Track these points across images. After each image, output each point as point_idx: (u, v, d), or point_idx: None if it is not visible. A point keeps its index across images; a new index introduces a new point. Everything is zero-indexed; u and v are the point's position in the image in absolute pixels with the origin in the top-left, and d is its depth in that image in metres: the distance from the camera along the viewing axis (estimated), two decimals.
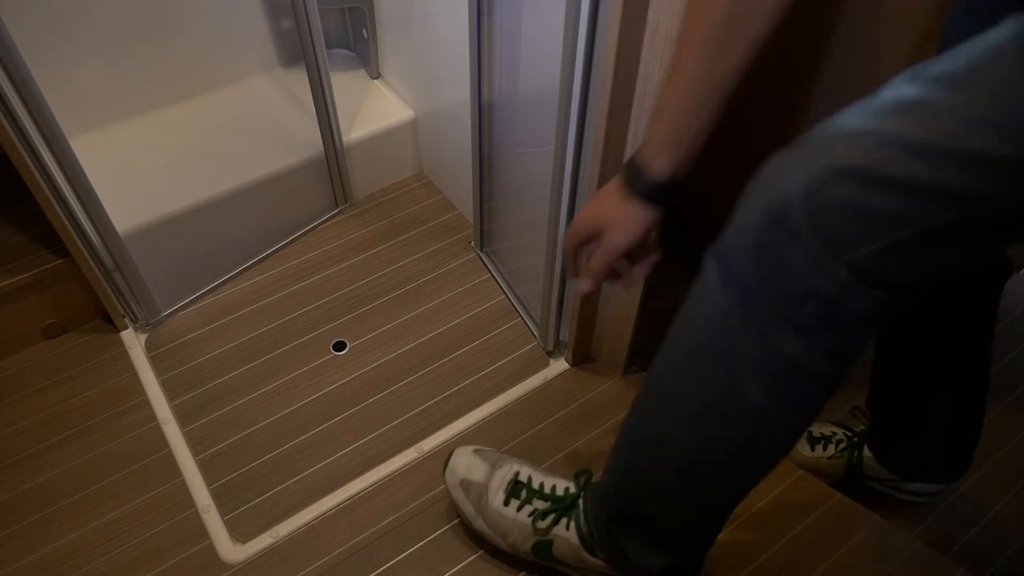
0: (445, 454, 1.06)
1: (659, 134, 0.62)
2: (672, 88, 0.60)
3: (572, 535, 0.86)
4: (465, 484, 0.94)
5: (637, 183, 0.64)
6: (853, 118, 0.50)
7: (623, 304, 1.03)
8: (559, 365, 1.18)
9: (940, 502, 1.05)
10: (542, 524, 0.87)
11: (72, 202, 1.07)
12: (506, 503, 0.90)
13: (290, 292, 1.32)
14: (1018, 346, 1.26)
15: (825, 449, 1.05)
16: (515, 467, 0.93)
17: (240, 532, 0.99)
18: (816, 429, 1.07)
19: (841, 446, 1.04)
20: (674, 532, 0.74)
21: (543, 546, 0.88)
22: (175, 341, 1.25)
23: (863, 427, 1.05)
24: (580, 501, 0.87)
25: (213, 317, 1.28)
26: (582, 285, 0.72)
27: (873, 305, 0.50)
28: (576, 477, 0.90)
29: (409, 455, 1.07)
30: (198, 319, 1.28)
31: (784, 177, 0.50)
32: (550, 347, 1.19)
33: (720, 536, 0.94)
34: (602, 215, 0.68)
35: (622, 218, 0.66)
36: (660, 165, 0.62)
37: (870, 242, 0.47)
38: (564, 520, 0.87)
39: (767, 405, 0.56)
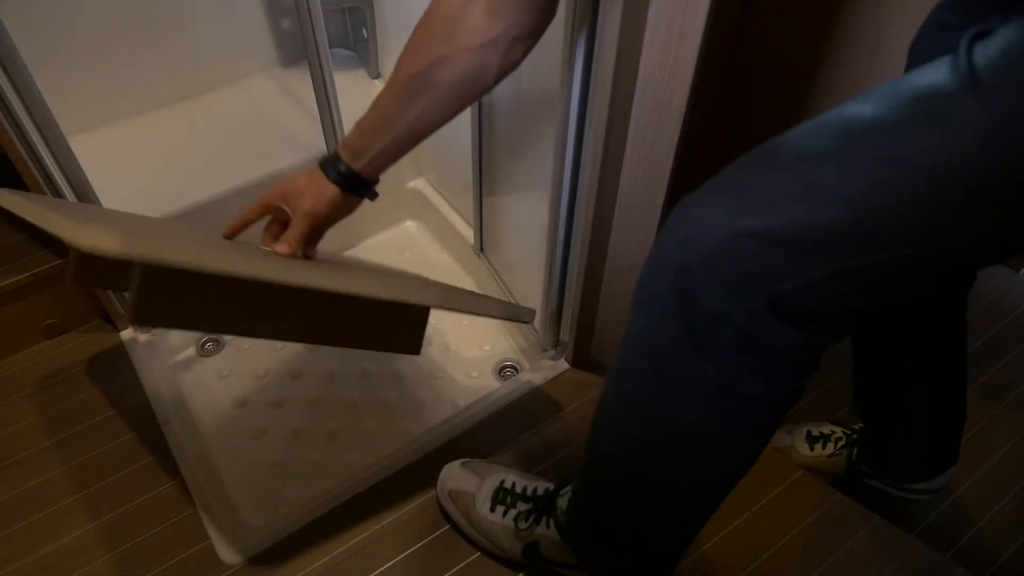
0: (446, 452, 1.05)
1: (352, 140, 0.76)
2: (369, 111, 0.74)
3: (554, 532, 0.86)
4: (454, 494, 0.95)
5: (328, 167, 0.78)
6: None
7: (623, 305, 1.03)
8: (559, 365, 1.18)
9: (940, 502, 1.05)
10: (523, 525, 0.88)
11: None
12: (492, 509, 0.91)
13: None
14: (1018, 346, 1.26)
15: (824, 448, 1.05)
16: (501, 475, 0.94)
17: (240, 532, 0.99)
18: (815, 428, 1.07)
19: (840, 444, 1.04)
20: (630, 543, 0.75)
21: (531, 548, 0.88)
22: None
23: (862, 425, 1.05)
24: (559, 499, 0.87)
25: None
26: (279, 248, 0.78)
27: (789, 335, 0.51)
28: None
29: (409, 455, 1.07)
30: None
31: (701, 219, 0.51)
32: (549, 348, 1.19)
33: (720, 535, 0.95)
34: (296, 186, 0.79)
35: (313, 188, 0.78)
36: (348, 160, 0.77)
37: (782, 281, 0.49)
38: (545, 519, 0.87)
39: (698, 422, 0.58)
